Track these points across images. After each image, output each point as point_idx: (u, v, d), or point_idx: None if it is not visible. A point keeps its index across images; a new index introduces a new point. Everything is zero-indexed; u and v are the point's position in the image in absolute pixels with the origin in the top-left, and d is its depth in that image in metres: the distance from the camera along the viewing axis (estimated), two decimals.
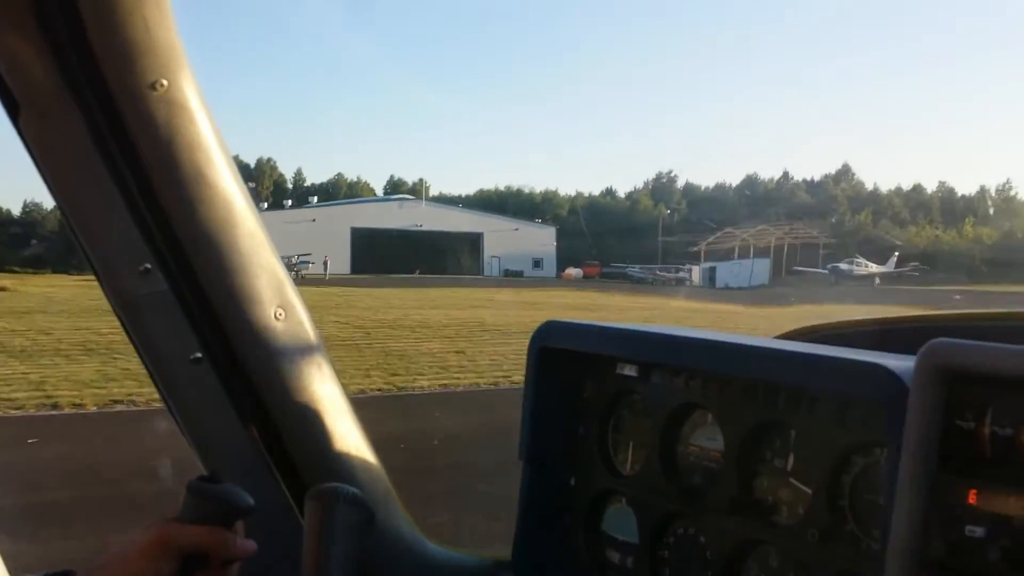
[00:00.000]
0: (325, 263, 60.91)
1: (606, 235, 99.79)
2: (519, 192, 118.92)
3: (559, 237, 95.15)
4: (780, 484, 1.52)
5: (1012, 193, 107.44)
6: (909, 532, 1.15)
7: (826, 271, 72.77)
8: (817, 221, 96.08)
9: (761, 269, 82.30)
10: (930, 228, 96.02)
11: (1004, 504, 1.08)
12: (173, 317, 1.61)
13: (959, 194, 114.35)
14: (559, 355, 1.82)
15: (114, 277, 1.59)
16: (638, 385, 1.77)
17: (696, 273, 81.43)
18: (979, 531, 1.10)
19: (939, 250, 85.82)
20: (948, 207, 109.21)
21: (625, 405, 1.82)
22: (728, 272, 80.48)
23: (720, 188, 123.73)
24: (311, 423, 1.66)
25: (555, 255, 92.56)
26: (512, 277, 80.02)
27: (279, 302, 1.61)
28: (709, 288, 72.95)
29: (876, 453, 1.38)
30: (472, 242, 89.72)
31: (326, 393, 1.68)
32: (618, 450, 1.83)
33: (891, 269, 74.98)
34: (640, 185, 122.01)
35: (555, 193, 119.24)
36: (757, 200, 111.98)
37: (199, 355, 1.63)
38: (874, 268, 73.91)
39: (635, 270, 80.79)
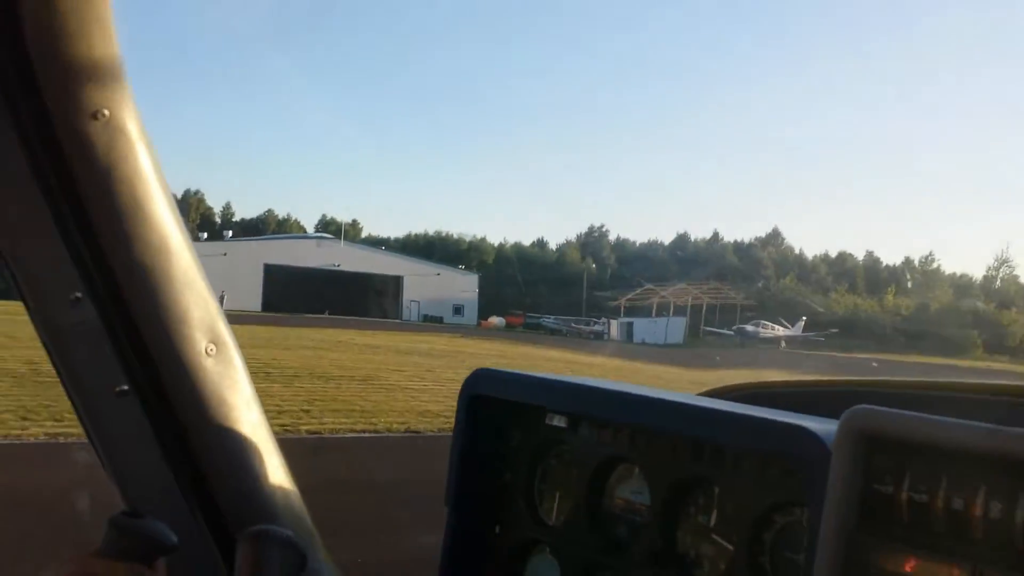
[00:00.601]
0: (221, 298, 58.83)
1: (537, 285, 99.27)
2: (447, 237, 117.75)
3: (485, 285, 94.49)
4: (703, 539, 1.55)
5: (934, 266, 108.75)
6: None
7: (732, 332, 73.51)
8: (741, 285, 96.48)
9: (676, 327, 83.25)
10: (850, 295, 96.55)
11: (920, 567, 1.13)
12: (101, 348, 1.57)
13: (884, 263, 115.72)
14: (489, 403, 1.83)
15: (42, 305, 1.56)
16: (566, 436, 1.79)
17: (614, 327, 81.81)
18: None
19: (857, 318, 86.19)
20: (872, 276, 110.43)
21: (553, 455, 1.83)
22: (645, 328, 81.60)
23: (652, 245, 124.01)
24: (238, 462, 1.64)
25: (476, 302, 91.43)
26: (431, 323, 78.78)
27: (211, 338, 1.59)
28: (626, 343, 73.23)
29: (796, 512, 1.41)
30: (392, 285, 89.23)
31: (254, 432, 1.66)
32: (544, 500, 1.84)
33: (798, 333, 75.50)
34: (572, 237, 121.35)
35: (483, 240, 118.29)
36: (687, 259, 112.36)
37: (125, 387, 1.59)
38: (780, 331, 74.73)
39: (550, 321, 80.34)
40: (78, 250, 1.51)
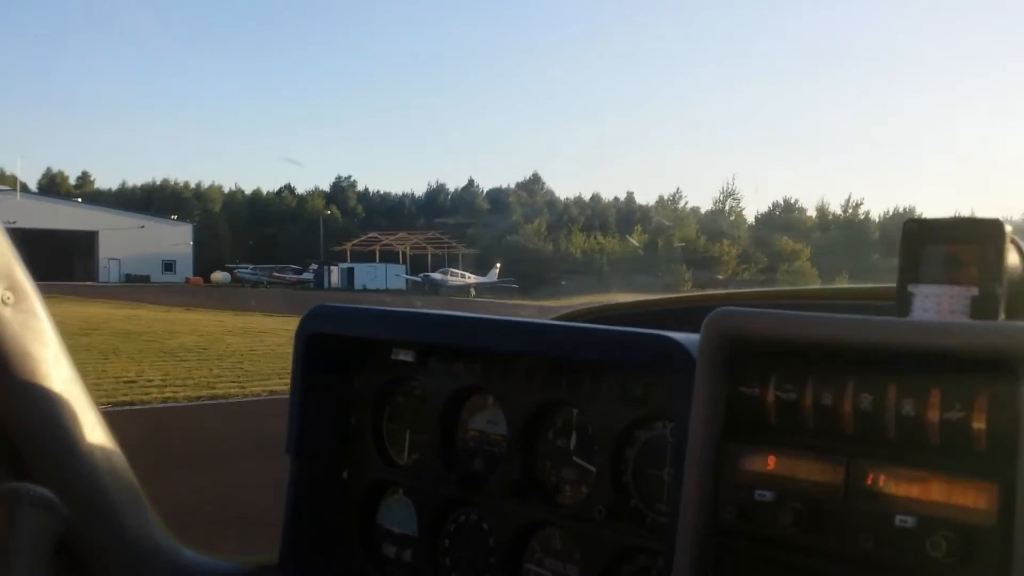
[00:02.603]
0: None
1: (274, 235, 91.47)
2: (164, 185, 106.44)
3: (208, 236, 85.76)
4: (564, 464, 1.54)
5: (682, 203, 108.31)
6: (699, 500, 1.17)
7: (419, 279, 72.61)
8: (487, 232, 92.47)
9: (396, 273, 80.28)
10: (587, 238, 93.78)
11: (792, 467, 1.11)
12: None
13: (638, 204, 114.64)
14: (329, 341, 1.76)
15: None
16: (415, 371, 1.74)
17: (335, 273, 78.61)
18: (769, 495, 1.12)
19: (593, 260, 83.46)
20: (626, 217, 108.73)
21: (401, 392, 1.78)
22: (366, 274, 78.92)
23: (405, 197, 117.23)
24: (48, 420, 1.53)
25: (192, 257, 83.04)
26: (135, 283, 70.34)
27: (7, 285, 1.49)
28: (345, 289, 68.61)
29: (659, 427, 1.40)
30: (85, 243, 79.05)
31: (64, 387, 1.55)
32: (394, 440, 1.79)
33: (492, 279, 72.85)
34: (326, 187, 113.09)
35: (212, 188, 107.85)
36: (440, 208, 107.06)
37: None
38: (471, 279, 71.70)
39: (247, 271, 73.51)
40: None
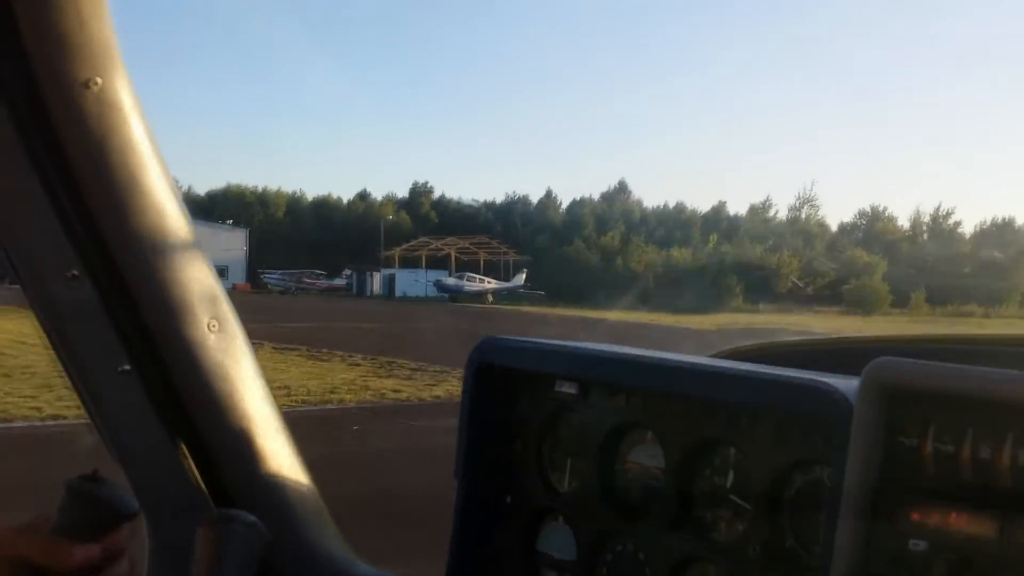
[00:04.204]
0: None
1: (340, 242, 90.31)
2: (227, 190, 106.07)
3: (269, 241, 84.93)
4: (720, 501, 1.58)
5: (772, 212, 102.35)
6: (852, 547, 1.21)
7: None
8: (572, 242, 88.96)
9: (416, 279, 78.09)
10: (654, 250, 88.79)
11: (946, 519, 1.15)
12: (100, 326, 1.54)
13: (729, 213, 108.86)
14: (497, 372, 1.84)
15: (38, 283, 1.52)
16: (577, 403, 1.80)
17: (376, 280, 77.53)
18: (922, 545, 1.16)
19: (644, 275, 78.84)
20: (712, 227, 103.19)
21: (563, 423, 1.84)
22: (406, 281, 77.08)
23: (484, 204, 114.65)
24: (242, 442, 1.64)
25: (244, 262, 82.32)
26: None
27: (212, 314, 1.59)
28: (386, 298, 66.19)
29: (816, 471, 1.44)
30: None
31: (258, 411, 1.65)
32: (555, 467, 1.85)
33: (517, 285, 69.04)
34: (406, 194, 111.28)
35: (278, 192, 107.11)
36: (514, 217, 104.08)
37: (127, 367, 1.57)
38: (490, 284, 68.18)
39: (274, 277, 71.66)
40: (72, 226, 1.47)
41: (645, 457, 1.69)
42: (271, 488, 1.65)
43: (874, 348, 1.27)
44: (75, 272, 1.49)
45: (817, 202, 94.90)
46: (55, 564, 1.27)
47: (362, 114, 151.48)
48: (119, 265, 1.50)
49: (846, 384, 1.31)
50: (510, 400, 1.86)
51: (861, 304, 66.06)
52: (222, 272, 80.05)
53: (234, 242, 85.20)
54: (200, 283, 1.56)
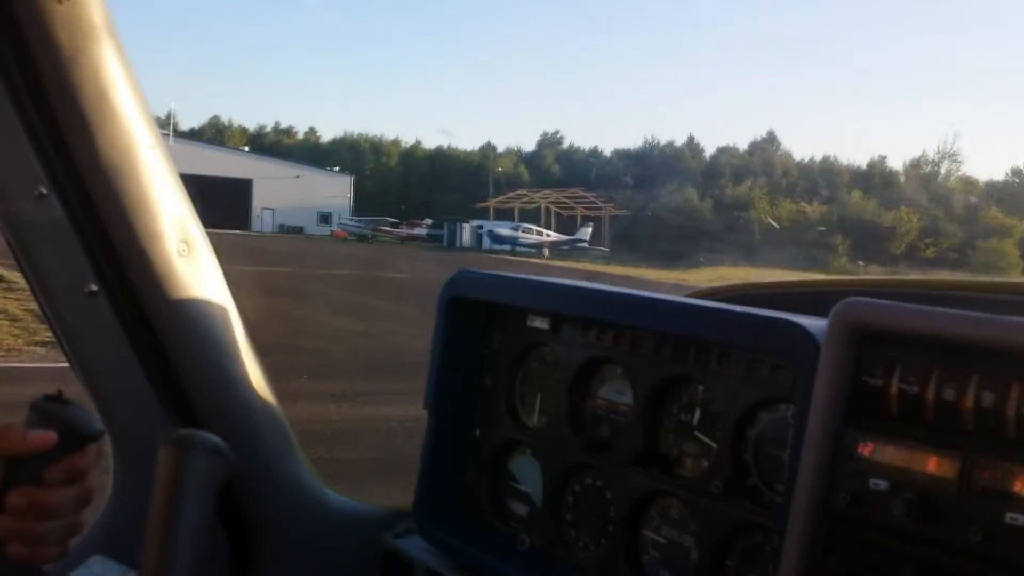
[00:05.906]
0: None
1: (447, 190, 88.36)
2: (345, 138, 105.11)
3: (376, 189, 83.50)
4: (686, 438, 1.59)
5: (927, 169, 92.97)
6: (814, 484, 1.21)
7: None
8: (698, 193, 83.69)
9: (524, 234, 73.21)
10: (788, 202, 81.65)
11: (908, 458, 1.14)
12: (68, 246, 1.54)
13: (890, 167, 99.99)
14: (469, 305, 1.85)
15: (5, 201, 1.51)
16: (548, 338, 1.81)
17: (467, 231, 73.81)
18: (883, 484, 1.15)
19: (751, 232, 72.67)
20: (863, 182, 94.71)
21: (534, 358, 1.86)
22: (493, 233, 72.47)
23: (619, 153, 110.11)
24: (210, 365, 1.65)
25: (350, 209, 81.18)
26: (289, 234, 69.49)
27: (183, 237, 1.58)
28: (472, 249, 65.28)
29: (782, 409, 1.44)
30: (238, 191, 76.50)
31: (228, 335, 1.66)
32: (525, 402, 1.88)
33: (582, 239, 67.47)
34: (534, 144, 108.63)
35: (394, 141, 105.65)
36: (653, 165, 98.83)
37: (95, 288, 1.57)
38: (549, 237, 63.28)
39: (351, 223, 69.36)
40: (41, 143, 1.46)
41: (613, 393, 1.70)
42: (237, 412, 1.66)
43: (847, 292, 1.25)
44: (43, 190, 1.48)
45: (959, 157, 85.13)
46: (9, 448, 1.25)
47: (503, 68, 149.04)
48: (88, 184, 1.49)
49: (815, 324, 1.30)
50: (482, 334, 1.88)
51: (987, 270, 58.17)
52: (326, 218, 79.28)
53: (339, 188, 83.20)
54: (171, 205, 1.54)
